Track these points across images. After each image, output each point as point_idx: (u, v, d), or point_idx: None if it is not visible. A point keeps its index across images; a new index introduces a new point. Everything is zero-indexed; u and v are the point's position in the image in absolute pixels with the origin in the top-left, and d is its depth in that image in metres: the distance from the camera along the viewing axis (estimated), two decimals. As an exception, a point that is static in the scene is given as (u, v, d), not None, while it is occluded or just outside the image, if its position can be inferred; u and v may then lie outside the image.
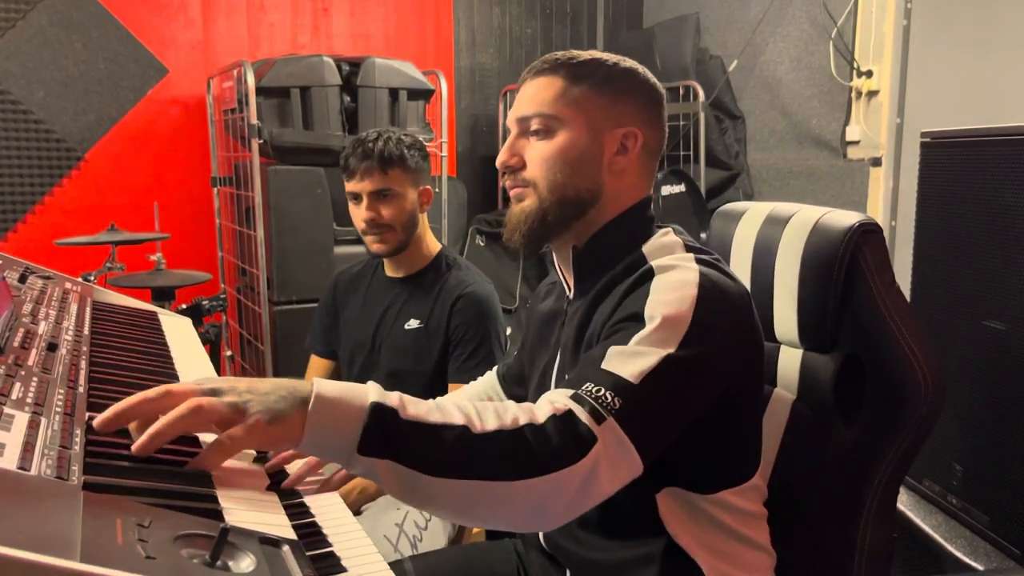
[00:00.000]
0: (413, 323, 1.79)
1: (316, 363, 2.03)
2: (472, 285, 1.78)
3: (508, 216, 1.09)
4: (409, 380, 1.77)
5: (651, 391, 0.84)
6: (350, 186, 1.76)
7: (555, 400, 0.83)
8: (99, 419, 0.79)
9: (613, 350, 0.88)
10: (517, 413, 0.81)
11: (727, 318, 0.93)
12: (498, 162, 1.10)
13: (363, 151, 1.73)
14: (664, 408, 0.87)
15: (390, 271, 1.87)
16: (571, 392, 0.84)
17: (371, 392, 0.79)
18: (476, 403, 0.83)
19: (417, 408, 0.80)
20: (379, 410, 0.77)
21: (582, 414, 0.81)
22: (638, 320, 0.90)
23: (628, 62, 1.09)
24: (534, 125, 1.06)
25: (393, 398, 0.80)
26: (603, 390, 0.83)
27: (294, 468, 1.02)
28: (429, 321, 1.78)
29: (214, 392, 0.78)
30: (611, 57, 1.09)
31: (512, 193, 1.09)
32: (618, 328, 0.92)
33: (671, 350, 0.86)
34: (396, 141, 1.74)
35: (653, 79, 1.10)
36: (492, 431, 0.79)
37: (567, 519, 0.83)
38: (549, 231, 1.07)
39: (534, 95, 1.06)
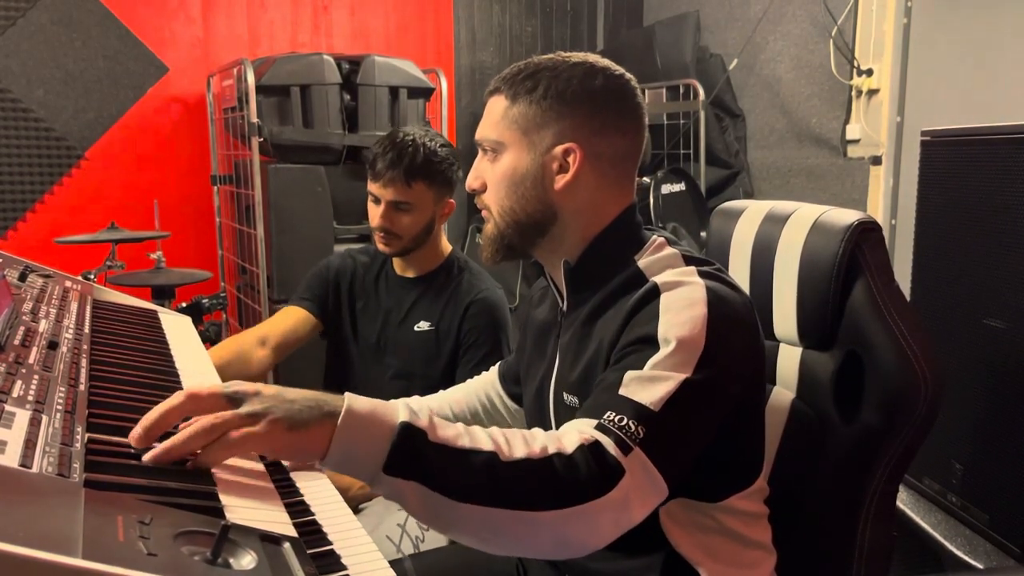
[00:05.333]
0: (423, 325, 1.78)
1: (294, 312, 1.85)
2: (484, 291, 1.77)
3: (482, 235, 1.11)
4: (417, 382, 1.77)
5: (673, 417, 0.84)
6: (372, 186, 1.73)
7: (582, 430, 0.83)
8: (133, 437, 0.78)
9: (630, 375, 0.87)
10: (546, 442, 0.81)
11: (738, 334, 0.93)
12: (466, 185, 1.11)
13: (393, 157, 1.68)
14: (686, 432, 0.87)
15: (399, 270, 1.86)
16: (595, 422, 0.83)
17: (401, 411, 0.79)
18: (505, 430, 0.83)
19: (446, 431, 0.79)
20: (408, 430, 0.77)
21: (609, 445, 0.80)
22: (651, 343, 0.89)
23: (576, 67, 1.02)
24: (485, 148, 1.07)
25: (423, 419, 0.79)
26: (626, 419, 0.83)
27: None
28: (440, 324, 1.77)
29: (237, 399, 0.78)
30: (558, 62, 1.03)
31: (483, 215, 1.10)
32: (631, 350, 0.91)
33: (688, 374, 0.86)
34: (429, 154, 1.69)
35: (613, 79, 1.04)
36: (520, 459, 0.78)
37: (597, 548, 0.82)
38: (515, 251, 1.08)
39: (486, 116, 1.07)
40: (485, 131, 1.06)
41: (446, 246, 1.86)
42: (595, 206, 1.05)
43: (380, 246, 1.77)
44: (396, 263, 1.86)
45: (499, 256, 1.09)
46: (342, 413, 0.76)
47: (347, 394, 0.79)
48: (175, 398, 0.79)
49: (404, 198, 1.70)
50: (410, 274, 1.84)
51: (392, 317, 1.82)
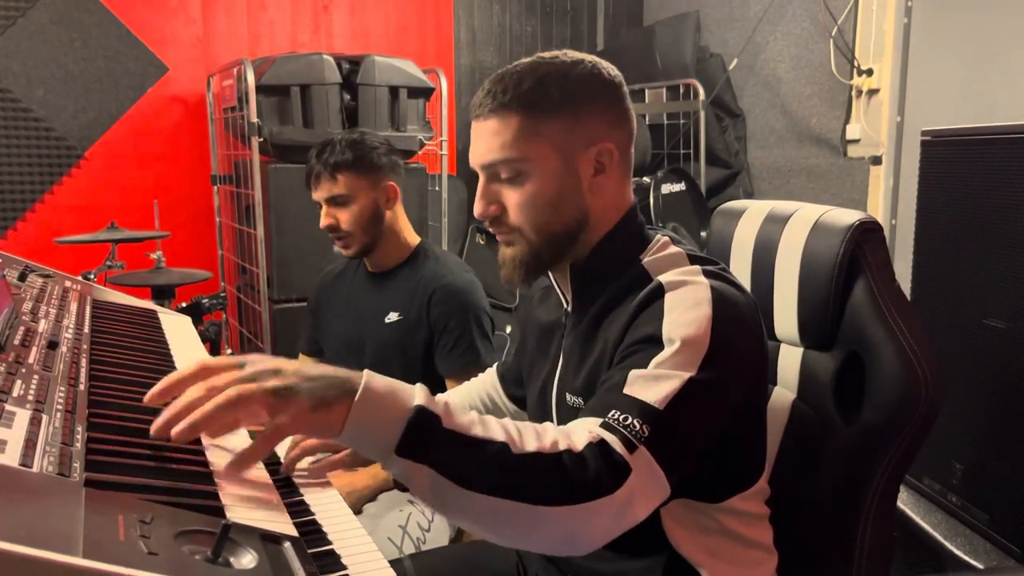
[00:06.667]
0: (393, 316, 1.81)
1: (303, 361, 2.05)
2: (448, 276, 1.79)
3: (501, 259, 1.06)
4: (395, 373, 1.78)
5: (677, 416, 0.84)
6: (312, 195, 1.80)
7: (591, 428, 0.83)
8: (148, 396, 0.83)
9: (634, 374, 0.87)
10: (556, 437, 0.81)
11: (742, 334, 0.93)
12: (476, 213, 1.04)
13: (314, 158, 1.77)
14: (690, 431, 0.87)
15: (371, 267, 1.89)
16: (600, 420, 0.83)
17: (418, 394, 0.79)
18: (517, 422, 0.82)
19: (460, 419, 0.79)
20: (423, 414, 0.77)
21: (615, 443, 0.80)
22: (656, 342, 0.89)
23: (579, 65, 1.01)
24: (503, 172, 1.00)
25: (439, 405, 0.79)
26: (631, 418, 0.82)
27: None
28: (408, 313, 1.79)
29: (254, 377, 0.77)
30: (558, 63, 1.01)
31: (500, 239, 1.06)
32: (636, 350, 0.91)
33: (692, 373, 0.86)
34: (347, 145, 1.75)
35: (607, 70, 1.03)
36: (531, 452, 0.78)
37: (600, 545, 0.82)
38: (547, 266, 1.06)
39: (492, 138, 0.99)
40: (500, 152, 0.99)
41: (412, 238, 1.89)
42: (614, 202, 1.05)
43: (341, 251, 1.82)
44: (366, 262, 1.89)
45: (533, 277, 1.05)
46: (360, 390, 0.76)
47: (366, 371, 0.79)
48: (193, 391, 0.78)
49: (335, 191, 1.75)
50: (379, 269, 1.87)
51: (366, 314, 1.85)
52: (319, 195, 1.77)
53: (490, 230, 1.07)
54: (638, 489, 0.80)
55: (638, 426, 0.82)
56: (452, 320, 1.75)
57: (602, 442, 0.80)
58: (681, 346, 0.87)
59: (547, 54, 1.03)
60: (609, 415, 0.83)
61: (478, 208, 1.04)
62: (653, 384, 0.85)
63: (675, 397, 0.84)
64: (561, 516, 0.77)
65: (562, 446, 0.79)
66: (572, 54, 1.03)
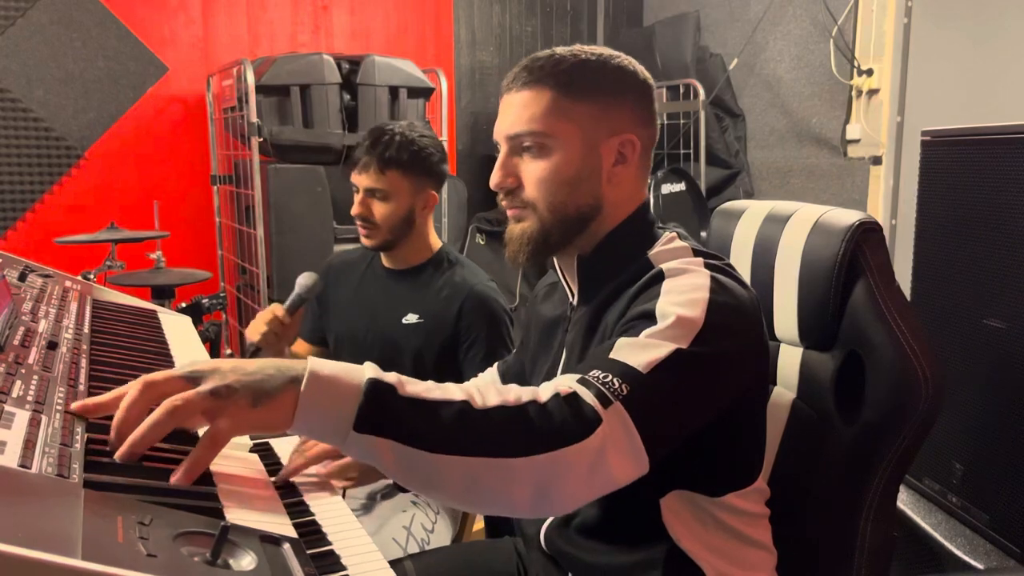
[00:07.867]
0: (411, 317, 1.79)
1: (301, 347, 2.01)
2: (479, 284, 1.78)
3: (508, 236, 1.07)
4: (405, 373, 1.77)
5: (659, 382, 0.83)
6: (352, 175, 1.78)
7: (560, 384, 0.82)
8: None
9: (623, 341, 0.87)
10: (520, 392, 0.80)
11: (739, 323, 0.93)
12: (493, 183, 1.05)
13: (370, 144, 1.73)
14: (671, 402, 0.85)
15: (388, 262, 1.86)
16: (577, 377, 0.83)
17: (367, 370, 0.78)
18: (478, 383, 0.82)
19: (415, 386, 0.78)
20: (376, 387, 0.75)
21: (588, 396, 0.79)
22: (650, 317, 0.89)
23: (616, 59, 1.04)
24: (526, 142, 1.02)
25: (391, 376, 0.78)
26: (611, 376, 0.82)
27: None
28: (430, 317, 1.77)
29: (194, 378, 0.76)
30: (597, 54, 1.03)
31: (510, 214, 1.06)
32: (630, 326, 0.91)
33: (683, 345, 0.85)
34: (406, 142, 1.72)
35: (642, 71, 1.06)
36: (494, 407, 0.77)
37: (575, 504, 0.81)
38: (553, 249, 1.06)
39: (522, 110, 1.01)
40: (528, 124, 1.01)
41: (435, 241, 1.86)
42: (631, 196, 1.06)
43: (362, 238, 1.80)
44: (384, 257, 1.87)
45: (537, 258, 1.05)
46: (306, 376, 0.75)
47: (310, 358, 0.77)
48: (132, 390, 0.77)
49: (378, 185, 1.73)
50: (398, 266, 1.85)
51: (379, 310, 1.82)
52: (361, 182, 1.75)
53: (502, 204, 1.07)
54: (611, 442, 0.78)
55: (617, 384, 0.81)
56: (484, 329, 1.74)
57: (573, 394, 0.79)
58: (675, 321, 0.87)
59: (586, 47, 1.05)
60: (589, 374, 0.83)
61: (495, 178, 1.05)
62: (640, 350, 0.85)
63: (660, 363, 0.83)
64: (530, 468, 0.75)
65: (526, 399, 0.79)
66: (611, 50, 1.05)
